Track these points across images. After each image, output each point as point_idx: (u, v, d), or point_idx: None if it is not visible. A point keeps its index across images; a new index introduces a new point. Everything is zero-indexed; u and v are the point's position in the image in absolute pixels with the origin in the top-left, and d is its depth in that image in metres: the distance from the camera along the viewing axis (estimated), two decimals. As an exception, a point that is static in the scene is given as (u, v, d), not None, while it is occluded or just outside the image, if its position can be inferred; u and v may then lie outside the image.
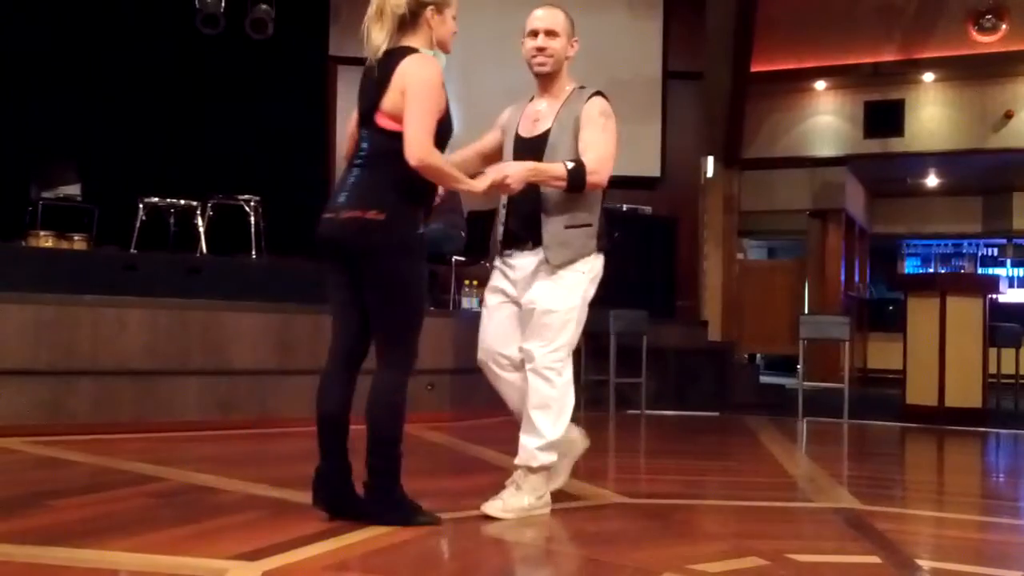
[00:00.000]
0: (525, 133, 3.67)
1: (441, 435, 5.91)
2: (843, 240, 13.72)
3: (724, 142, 12.37)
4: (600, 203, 3.69)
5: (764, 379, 10.59)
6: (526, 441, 3.54)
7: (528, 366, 3.56)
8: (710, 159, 12.10)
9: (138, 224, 7.99)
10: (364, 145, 3.24)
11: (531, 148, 3.62)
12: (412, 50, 3.21)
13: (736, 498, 4.18)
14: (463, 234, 8.09)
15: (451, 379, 6.80)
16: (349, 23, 10.48)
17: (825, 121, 13.41)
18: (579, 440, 3.83)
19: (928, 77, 12.71)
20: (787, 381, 11.09)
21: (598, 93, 3.67)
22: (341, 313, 3.31)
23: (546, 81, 3.69)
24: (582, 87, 3.71)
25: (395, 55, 3.20)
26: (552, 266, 3.56)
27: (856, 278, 14.61)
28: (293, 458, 5.15)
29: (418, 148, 3.07)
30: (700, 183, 11.43)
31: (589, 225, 3.62)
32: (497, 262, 3.75)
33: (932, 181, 14.69)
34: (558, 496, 3.90)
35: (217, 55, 9.69)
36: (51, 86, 9.04)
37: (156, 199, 8.12)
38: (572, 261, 3.58)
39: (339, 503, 3.28)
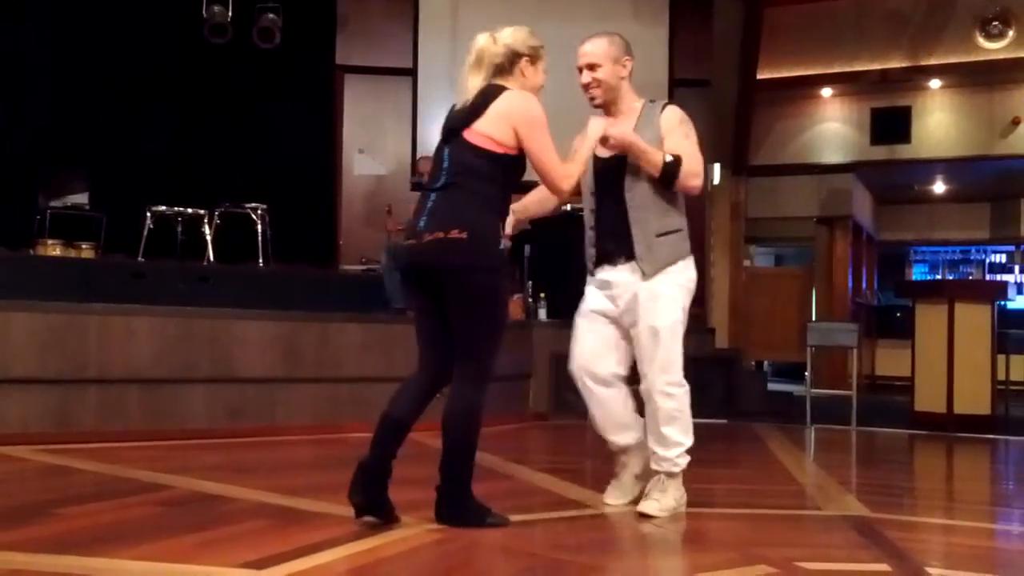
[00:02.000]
0: (602, 154, 3.74)
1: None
2: (851, 247, 13.69)
3: (731, 149, 12.35)
4: (684, 206, 3.80)
5: (772, 386, 10.55)
6: (664, 452, 3.71)
7: (651, 384, 3.69)
8: (717, 166, 12.08)
9: (146, 232, 8.02)
10: (445, 165, 3.34)
11: (610, 169, 3.72)
12: (508, 88, 3.36)
13: (745, 506, 4.17)
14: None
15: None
16: (356, 32, 10.53)
17: (832, 128, 13.38)
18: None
19: (935, 84, 12.69)
20: (795, 388, 11.06)
21: (670, 103, 3.81)
22: (429, 339, 3.44)
23: (608, 107, 3.80)
24: (652, 100, 3.83)
25: (492, 90, 3.35)
26: (648, 276, 3.68)
27: (864, 285, 14.57)
28: (301, 466, 5.16)
29: (560, 183, 3.36)
30: (707, 190, 11.42)
31: (680, 230, 3.75)
32: (592, 281, 3.84)
33: (940, 188, 14.66)
34: (566, 504, 3.91)
35: (225, 64, 9.73)
36: (59, 95, 9.08)
37: (164, 207, 8.15)
38: (666, 267, 3.70)
39: (370, 500, 3.32)
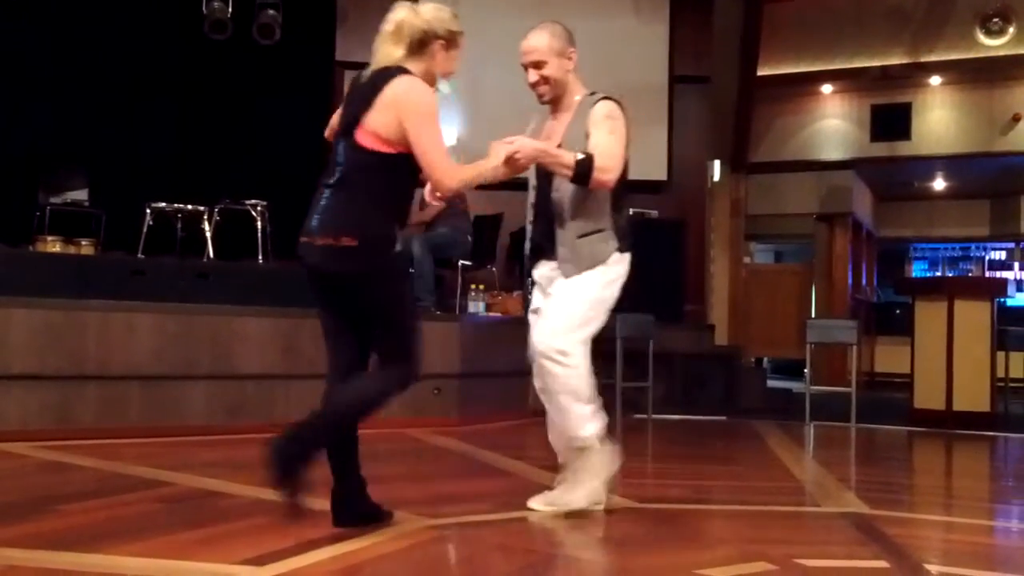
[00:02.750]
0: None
1: (448, 439, 5.91)
2: (850, 244, 13.69)
3: (731, 146, 12.36)
4: (612, 204, 3.67)
5: (771, 383, 10.56)
6: (566, 426, 3.65)
7: (541, 351, 3.62)
8: (717, 163, 12.09)
9: (145, 229, 8.01)
10: (339, 161, 3.18)
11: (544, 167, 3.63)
12: (406, 71, 3.16)
13: (744, 503, 4.17)
14: (469, 239, 8.09)
15: (459, 383, 6.79)
16: (356, 28, 10.50)
17: (832, 125, 13.38)
18: (614, 458, 3.83)
19: (935, 80, 12.68)
20: (794, 385, 11.07)
21: (606, 98, 3.67)
22: (335, 337, 3.31)
23: (554, 103, 3.74)
24: (592, 93, 3.70)
25: (386, 73, 3.14)
26: (568, 278, 3.64)
27: (863, 282, 14.58)
28: (300, 463, 5.15)
29: (448, 179, 3.12)
30: (707, 187, 11.43)
31: (602, 230, 3.63)
32: (535, 276, 3.82)
33: (939, 184, 14.66)
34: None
35: (224, 60, 9.71)
36: (59, 91, 9.07)
37: (163, 204, 8.14)
38: (586, 271, 3.63)
39: (355, 519, 3.25)
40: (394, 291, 3.17)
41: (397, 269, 3.21)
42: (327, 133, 3.45)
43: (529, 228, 3.83)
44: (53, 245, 7.53)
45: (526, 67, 3.69)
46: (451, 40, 3.32)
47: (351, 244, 3.03)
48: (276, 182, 9.35)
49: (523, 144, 3.39)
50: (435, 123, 3.12)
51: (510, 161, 3.33)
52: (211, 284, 7.09)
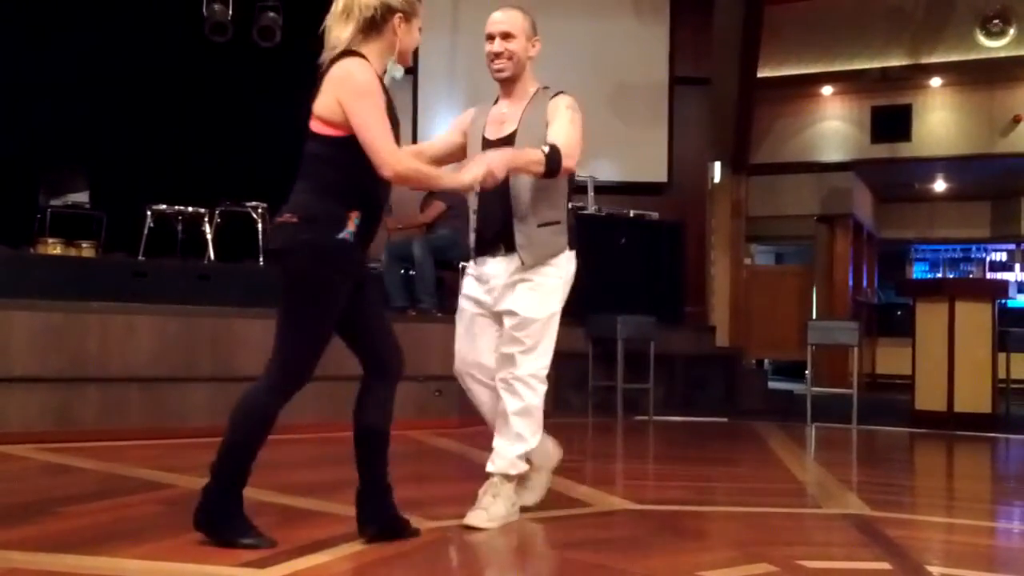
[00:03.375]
0: (492, 136, 3.63)
1: (449, 441, 5.91)
2: (851, 245, 13.70)
3: (731, 147, 12.36)
4: (567, 199, 3.68)
5: (772, 385, 10.56)
6: (507, 450, 3.50)
7: (510, 373, 3.50)
8: (717, 164, 12.09)
9: (146, 231, 8.01)
10: (306, 151, 3.08)
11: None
12: (355, 54, 3.05)
13: (745, 504, 4.17)
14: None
15: (459, 385, 6.78)
16: (356, 30, 10.51)
17: (832, 126, 13.39)
18: (555, 451, 3.82)
19: (936, 82, 12.69)
20: (795, 387, 11.07)
21: (564, 92, 3.64)
22: (345, 334, 3.24)
23: (508, 84, 3.64)
24: (546, 87, 3.67)
25: (335, 60, 3.07)
26: (526, 268, 3.56)
27: (864, 283, 14.58)
28: (301, 465, 5.16)
29: (392, 163, 2.93)
30: (707, 188, 11.43)
31: (558, 222, 3.61)
32: (470, 269, 3.76)
33: (940, 186, 14.67)
34: (567, 503, 3.90)
35: (225, 63, 9.71)
36: (60, 93, 9.07)
37: (164, 206, 8.14)
38: (545, 261, 3.58)
39: (380, 526, 3.11)
40: (312, 272, 2.99)
41: (333, 253, 2.97)
42: None
43: (473, 219, 3.74)
44: (54, 247, 7.53)
45: (492, 37, 3.56)
46: (410, 11, 3.12)
47: (291, 221, 2.97)
48: (276, 184, 9.23)
49: (495, 159, 3.25)
50: (374, 103, 2.96)
51: (489, 178, 3.19)
52: (212, 286, 7.09)
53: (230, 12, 9.47)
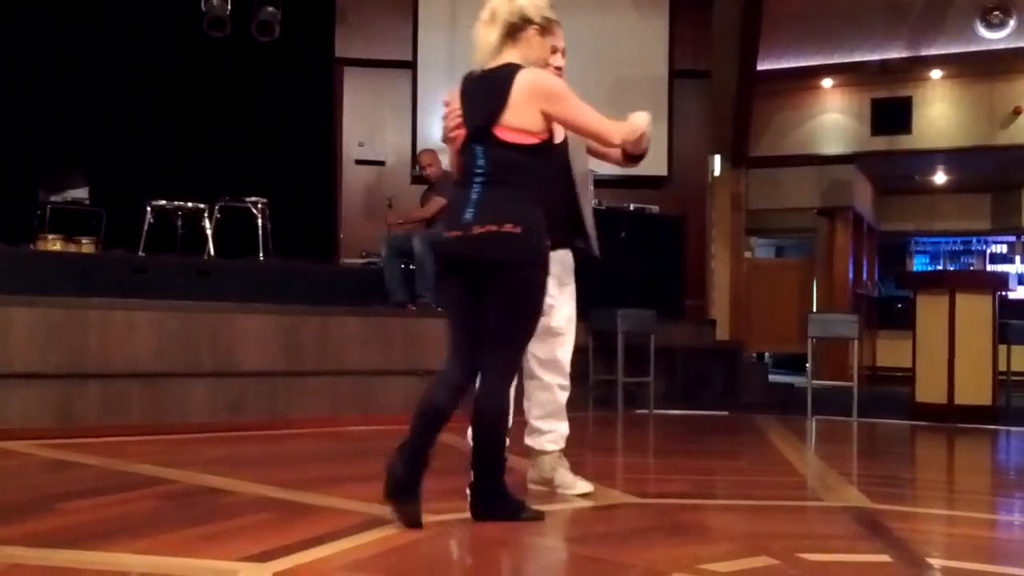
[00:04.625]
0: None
1: (450, 435, 5.89)
2: (851, 238, 13.68)
3: (731, 140, 12.34)
4: None
5: (773, 378, 10.57)
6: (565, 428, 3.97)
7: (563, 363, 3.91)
8: (717, 157, 12.07)
9: (146, 227, 8.00)
10: (482, 162, 3.24)
11: (560, 150, 3.72)
12: (519, 66, 3.27)
13: (746, 497, 4.17)
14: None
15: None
16: (355, 25, 10.50)
17: (832, 119, 13.37)
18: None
19: (936, 74, 12.67)
20: (796, 380, 11.08)
21: None
22: (464, 331, 3.34)
23: None
24: None
25: (504, 71, 3.27)
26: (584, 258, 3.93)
27: (864, 276, 14.57)
28: (303, 459, 5.17)
29: (612, 131, 3.30)
30: (707, 182, 11.42)
31: None
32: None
33: (940, 178, 14.65)
34: (567, 497, 3.91)
35: (224, 58, 9.70)
36: (58, 90, 9.06)
37: (164, 202, 8.13)
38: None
39: (400, 484, 3.23)
40: (540, 280, 3.26)
41: (547, 259, 3.28)
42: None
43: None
44: (54, 243, 7.53)
45: (557, 51, 3.65)
46: (546, 26, 3.36)
47: (515, 231, 3.15)
48: (276, 179, 9.34)
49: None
50: (572, 96, 3.27)
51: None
52: (212, 281, 7.09)
53: (228, 7, 9.45)
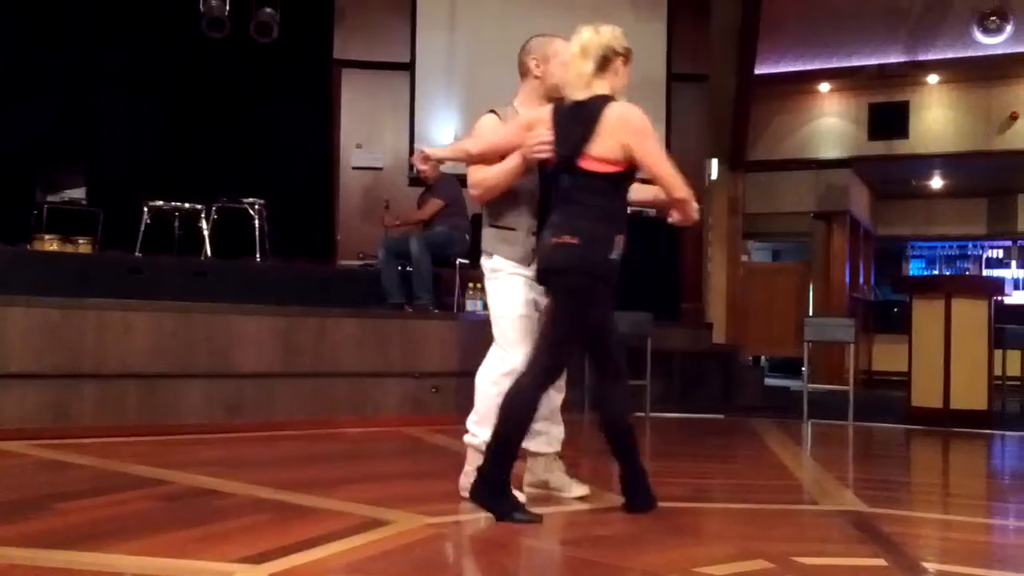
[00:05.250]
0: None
1: (446, 438, 5.91)
2: (848, 242, 13.69)
3: (728, 144, 12.35)
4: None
5: (769, 381, 10.57)
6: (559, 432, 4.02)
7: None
8: (714, 161, 12.09)
9: (143, 227, 8.00)
10: (565, 187, 3.52)
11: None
12: (610, 98, 3.52)
13: (741, 501, 4.18)
14: (467, 237, 8.09)
15: (456, 382, 6.79)
16: (354, 26, 10.50)
17: (830, 123, 13.39)
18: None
19: (933, 79, 12.68)
20: (792, 383, 11.08)
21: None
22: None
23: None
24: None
25: (594, 104, 3.51)
26: None
27: (861, 280, 14.58)
28: (299, 461, 5.16)
29: (679, 186, 3.52)
30: (704, 185, 11.43)
31: None
32: (523, 271, 3.82)
33: (937, 183, 14.66)
34: (564, 500, 3.91)
35: (222, 59, 9.70)
36: (56, 90, 9.05)
37: (161, 202, 8.13)
38: None
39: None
40: (590, 288, 3.46)
41: (607, 272, 3.47)
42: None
43: (533, 222, 3.82)
44: (51, 244, 7.52)
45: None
46: (628, 56, 3.63)
47: (572, 242, 3.43)
48: (274, 180, 9.35)
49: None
50: (654, 140, 3.55)
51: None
52: (209, 282, 7.09)
53: (227, 8, 9.45)
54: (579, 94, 3.54)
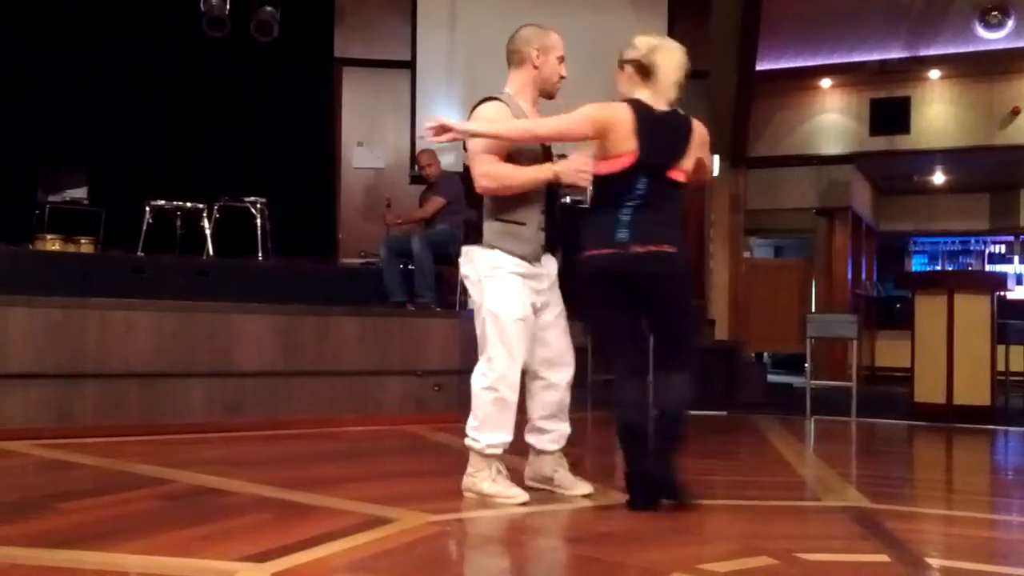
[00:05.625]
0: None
1: (448, 436, 5.91)
2: (850, 238, 13.68)
3: (730, 141, 12.34)
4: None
5: (772, 378, 10.56)
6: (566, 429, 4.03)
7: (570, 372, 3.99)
8: (716, 158, 12.05)
9: (145, 227, 8.00)
10: (641, 190, 3.63)
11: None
12: (688, 116, 3.81)
13: (744, 497, 4.17)
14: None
15: (459, 380, 6.78)
16: (354, 25, 10.50)
17: (831, 119, 13.37)
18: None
19: (934, 74, 12.67)
20: (795, 380, 11.08)
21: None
22: (631, 335, 3.77)
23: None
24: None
25: (683, 120, 3.77)
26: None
27: (863, 276, 14.57)
28: (301, 460, 5.16)
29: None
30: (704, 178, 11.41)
31: None
32: (523, 269, 3.81)
33: (939, 178, 14.65)
34: (565, 497, 3.91)
35: (223, 58, 9.70)
36: (57, 89, 9.06)
37: (163, 202, 8.13)
38: None
39: (657, 485, 3.66)
40: (690, 289, 3.81)
41: (690, 271, 3.83)
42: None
43: (541, 219, 3.86)
44: (53, 243, 7.52)
45: (563, 59, 3.97)
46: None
47: (671, 251, 3.62)
48: (276, 179, 9.34)
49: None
50: None
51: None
52: (211, 281, 7.09)
53: (227, 7, 9.45)
54: (663, 104, 3.69)
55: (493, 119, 3.78)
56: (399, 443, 5.80)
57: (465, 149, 3.88)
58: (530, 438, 3.99)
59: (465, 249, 3.90)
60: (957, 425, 7.38)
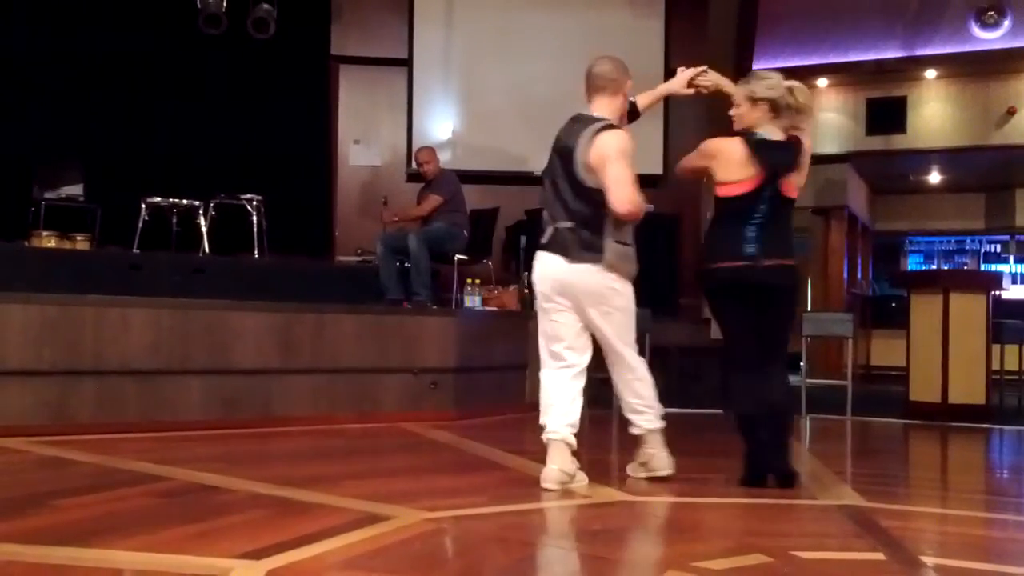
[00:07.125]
0: None
1: (444, 433, 5.92)
2: (846, 237, 13.69)
3: (726, 140, 12.33)
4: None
5: (767, 376, 10.54)
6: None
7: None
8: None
9: (141, 224, 8.00)
10: (764, 206, 4.13)
11: None
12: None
13: (740, 495, 4.18)
14: (465, 233, 8.10)
15: (454, 378, 6.80)
16: (351, 22, 10.49)
17: (827, 118, 13.38)
18: None
19: (930, 74, 12.69)
20: (790, 378, 11.05)
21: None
22: (753, 331, 4.17)
23: None
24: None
25: (794, 138, 4.22)
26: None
27: (859, 275, 14.59)
28: (296, 457, 5.16)
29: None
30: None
31: None
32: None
33: (935, 178, 14.67)
34: (562, 494, 3.91)
35: (219, 55, 9.69)
36: (53, 86, 9.04)
37: (159, 199, 8.12)
38: None
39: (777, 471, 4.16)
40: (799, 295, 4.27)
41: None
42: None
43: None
44: (48, 240, 7.52)
45: None
46: None
47: (794, 264, 4.21)
48: (271, 176, 9.34)
49: None
50: None
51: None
52: (207, 279, 7.09)
53: (224, 4, 9.44)
54: (777, 133, 4.18)
55: (628, 150, 4.22)
56: (395, 441, 5.80)
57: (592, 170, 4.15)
58: (544, 418, 4.22)
59: (596, 268, 4.18)
60: (952, 424, 7.40)
